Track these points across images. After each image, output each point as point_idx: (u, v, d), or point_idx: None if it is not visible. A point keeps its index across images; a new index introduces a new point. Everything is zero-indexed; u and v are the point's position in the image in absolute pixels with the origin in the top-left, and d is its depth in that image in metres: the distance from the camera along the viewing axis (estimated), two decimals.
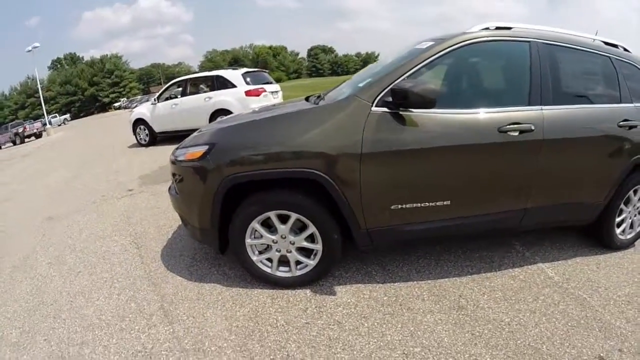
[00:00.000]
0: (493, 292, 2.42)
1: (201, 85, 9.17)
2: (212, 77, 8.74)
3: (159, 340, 2.08)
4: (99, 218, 4.34)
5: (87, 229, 4.03)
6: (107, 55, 64.94)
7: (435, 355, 1.90)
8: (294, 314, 2.22)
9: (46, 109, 48.77)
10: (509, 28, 2.60)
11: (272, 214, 2.25)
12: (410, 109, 2.19)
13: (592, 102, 2.71)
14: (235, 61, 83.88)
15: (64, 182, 6.84)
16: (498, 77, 2.97)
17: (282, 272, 2.44)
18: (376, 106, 2.20)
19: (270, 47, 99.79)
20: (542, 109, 2.43)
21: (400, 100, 2.14)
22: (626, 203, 2.88)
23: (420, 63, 2.31)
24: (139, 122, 9.59)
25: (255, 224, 2.28)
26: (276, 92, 8.95)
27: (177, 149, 2.61)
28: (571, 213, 2.76)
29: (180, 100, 8.93)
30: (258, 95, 8.19)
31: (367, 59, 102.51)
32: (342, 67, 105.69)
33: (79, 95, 56.66)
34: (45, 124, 27.70)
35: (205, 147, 2.29)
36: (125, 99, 53.23)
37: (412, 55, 2.39)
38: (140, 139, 9.75)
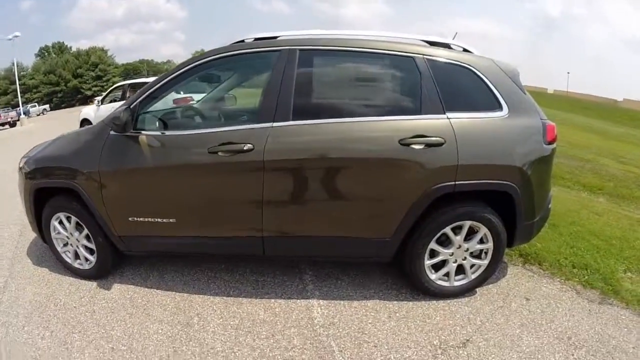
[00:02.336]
0: (232, 318, 2.40)
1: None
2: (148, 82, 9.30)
3: None
4: (10, 207, 4.94)
5: None
6: (94, 47, 64.79)
7: (133, 356, 2.13)
8: (73, 298, 2.72)
9: (28, 98, 48.95)
10: (275, 37, 2.45)
11: (61, 215, 2.75)
12: (140, 131, 2.41)
13: (361, 115, 2.32)
14: None
15: (3, 174, 7.49)
16: (236, 93, 3.07)
17: (78, 265, 2.92)
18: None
19: None
20: (272, 126, 2.23)
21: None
22: (445, 244, 2.38)
23: (150, 89, 2.49)
24: (85, 122, 10.20)
25: (54, 222, 2.79)
26: None
27: (22, 157, 3.04)
28: (346, 248, 2.44)
29: (119, 103, 9.50)
30: (187, 103, 8.83)
31: None
32: None
33: (62, 86, 56.28)
34: (20, 114, 28.06)
35: (25, 159, 2.91)
36: None
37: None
38: None
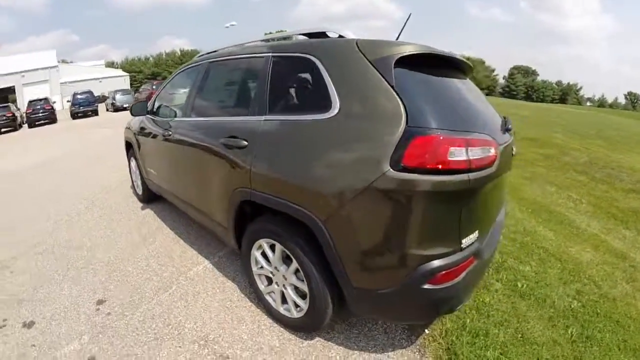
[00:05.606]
0: (152, 248, 3.31)
1: None
2: None
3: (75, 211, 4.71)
4: None
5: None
6: None
7: (110, 240, 3.53)
8: (122, 213, 4.40)
9: None
10: (215, 51, 2.93)
11: (132, 158, 4.44)
12: (155, 115, 3.51)
13: (215, 115, 2.72)
14: None
15: None
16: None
17: (138, 191, 4.58)
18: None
19: (468, 58, 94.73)
20: (179, 120, 3.02)
21: None
22: (268, 259, 2.15)
23: (163, 86, 3.70)
24: None
25: (130, 162, 4.57)
26: None
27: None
28: (212, 225, 2.67)
29: None
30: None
31: (566, 90, 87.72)
32: (538, 92, 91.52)
33: None
34: None
35: (128, 122, 4.68)
36: None
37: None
38: None
